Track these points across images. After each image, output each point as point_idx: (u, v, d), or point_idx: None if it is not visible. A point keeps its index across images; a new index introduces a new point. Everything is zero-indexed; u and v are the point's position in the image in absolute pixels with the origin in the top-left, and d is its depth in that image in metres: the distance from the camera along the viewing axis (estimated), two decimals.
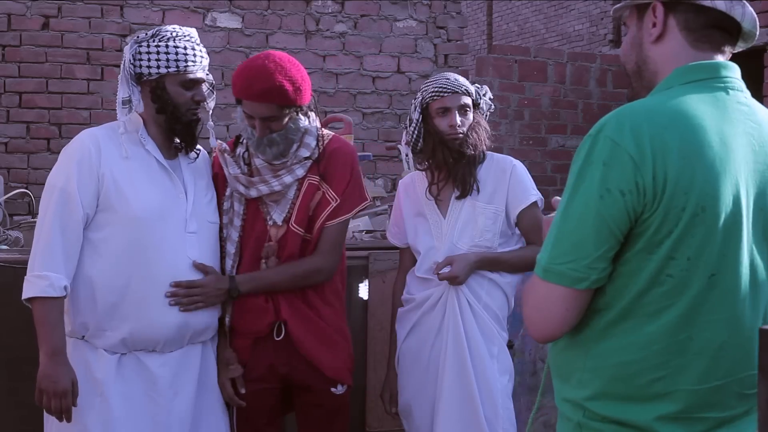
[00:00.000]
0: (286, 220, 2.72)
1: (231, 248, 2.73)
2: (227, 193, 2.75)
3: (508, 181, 3.05)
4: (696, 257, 1.57)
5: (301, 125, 2.68)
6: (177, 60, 2.56)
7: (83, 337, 2.56)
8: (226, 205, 2.74)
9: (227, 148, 2.75)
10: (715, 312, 1.60)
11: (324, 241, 2.77)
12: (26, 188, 4.85)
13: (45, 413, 2.54)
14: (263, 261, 2.72)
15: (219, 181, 2.77)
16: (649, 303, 1.60)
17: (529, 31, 13.74)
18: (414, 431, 3.06)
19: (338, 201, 2.75)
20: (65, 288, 2.46)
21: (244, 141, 2.74)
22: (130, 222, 2.52)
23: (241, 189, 2.70)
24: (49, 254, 2.47)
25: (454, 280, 2.94)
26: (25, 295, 2.47)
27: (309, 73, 7.26)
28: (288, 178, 2.70)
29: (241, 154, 2.74)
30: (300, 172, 2.71)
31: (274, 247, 2.72)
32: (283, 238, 2.73)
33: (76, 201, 2.49)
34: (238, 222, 2.73)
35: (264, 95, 2.57)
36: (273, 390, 2.78)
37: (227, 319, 2.72)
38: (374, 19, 6.34)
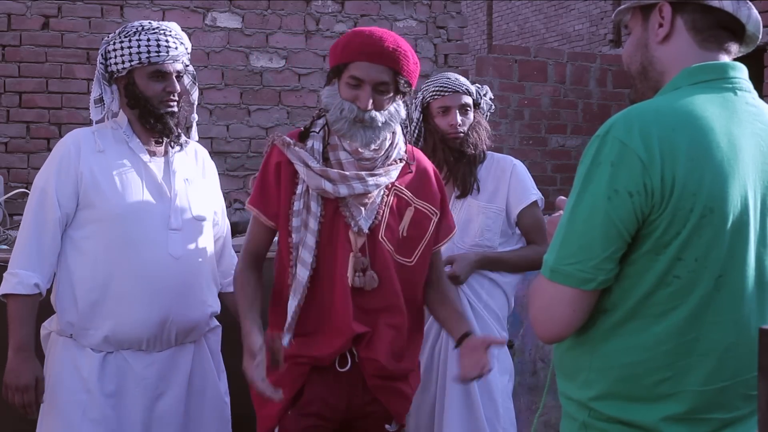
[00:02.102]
0: (372, 229, 2.38)
1: (308, 257, 2.34)
2: (298, 191, 2.37)
3: (509, 181, 3.05)
4: (703, 258, 1.57)
5: (402, 115, 2.41)
6: (140, 53, 2.54)
7: (71, 335, 2.56)
8: (297, 205, 2.37)
9: (293, 141, 2.40)
10: (721, 313, 1.60)
11: (441, 269, 2.60)
12: (26, 188, 4.84)
13: (40, 411, 2.57)
14: (357, 276, 2.36)
15: (282, 171, 2.40)
16: (656, 304, 1.60)
17: (529, 31, 13.73)
18: (414, 431, 3.06)
19: (439, 214, 2.50)
20: (36, 285, 2.50)
21: (320, 131, 2.40)
22: (109, 219, 2.52)
23: (327, 186, 2.34)
24: (24, 253, 2.52)
25: (455, 280, 2.94)
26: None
27: (309, 73, 7.23)
28: (384, 179, 2.39)
29: (314, 146, 2.39)
30: (395, 175, 2.43)
31: (367, 262, 2.37)
32: (371, 250, 2.38)
33: (52, 201, 2.51)
34: (314, 225, 2.35)
35: (383, 55, 2.33)
36: (326, 427, 2.43)
37: (286, 341, 2.32)
38: (374, 19, 6.34)
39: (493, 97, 3.22)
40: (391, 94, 2.37)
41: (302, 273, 2.34)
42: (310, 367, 2.38)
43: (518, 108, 7.31)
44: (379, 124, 2.35)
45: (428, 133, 3.04)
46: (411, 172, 2.48)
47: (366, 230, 2.37)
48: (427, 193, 2.50)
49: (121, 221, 2.52)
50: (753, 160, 1.62)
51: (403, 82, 2.37)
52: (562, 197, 1.81)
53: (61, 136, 5.85)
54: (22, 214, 2.62)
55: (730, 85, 1.66)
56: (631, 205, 1.55)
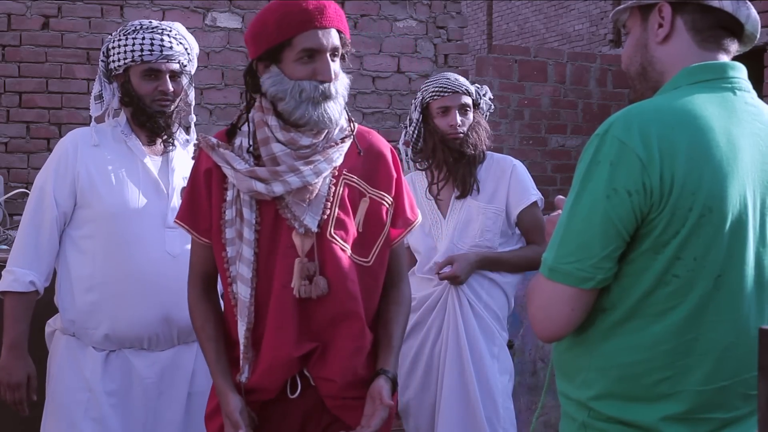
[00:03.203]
0: (321, 226, 2.06)
1: (246, 271, 2.03)
2: (228, 197, 2.08)
3: (509, 181, 3.06)
4: (702, 258, 1.57)
5: (346, 81, 2.11)
6: (134, 51, 2.56)
7: (73, 333, 2.58)
8: (228, 214, 2.07)
9: (217, 141, 2.10)
10: (721, 313, 1.60)
11: (400, 263, 2.24)
12: (26, 188, 4.85)
13: (44, 412, 2.59)
14: (303, 284, 2.03)
15: (213, 178, 2.11)
16: (655, 303, 1.60)
17: (529, 31, 13.73)
18: (414, 431, 3.06)
19: (393, 202, 2.17)
20: (32, 283, 2.54)
21: (250, 129, 2.09)
22: (106, 218, 2.54)
23: (259, 186, 2.02)
24: (21, 251, 2.56)
25: (455, 280, 2.95)
26: None
27: None
28: (324, 165, 2.05)
29: (242, 145, 2.09)
30: (337, 158, 2.08)
31: (314, 267, 2.04)
32: (321, 252, 2.05)
33: (50, 200, 2.54)
34: (251, 235, 2.04)
35: (329, 17, 2.03)
36: None
37: (243, 377, 2.07)
38: (374, 19, 6.33)
39: (492, 97, 3.23)
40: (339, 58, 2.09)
41: (244, 291, 2.04)
42: (258, 404, 2.10)
43: (518, 108, 7.31)
44: (340, 96, 2.06)
45: (428, 133, 3.05)
46: (360, 153, 2.14)
47: (314, 228, 2.04)
48: (380, 180, 2.15)
49: (118, 220, 2.53)
50: (752, 159, 1.62)
51: (347, 42, 2.10)
52: (561, 197, 1.81)
53: (61, 136, 5.86)
54: (22, 214, 2.64)
55: (730, 85, 1.66)
56: (629, 204, 1.55)
